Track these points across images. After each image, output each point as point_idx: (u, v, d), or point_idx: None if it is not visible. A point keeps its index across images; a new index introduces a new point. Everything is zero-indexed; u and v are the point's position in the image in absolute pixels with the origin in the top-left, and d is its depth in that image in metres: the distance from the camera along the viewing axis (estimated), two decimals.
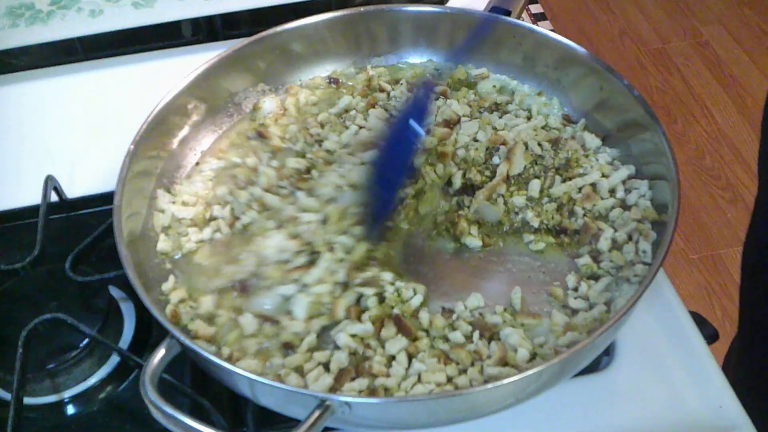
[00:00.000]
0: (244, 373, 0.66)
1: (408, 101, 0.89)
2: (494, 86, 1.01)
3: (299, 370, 0.73)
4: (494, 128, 0.94)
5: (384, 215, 0.84)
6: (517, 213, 0.86)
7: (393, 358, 0.73)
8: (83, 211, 0.97)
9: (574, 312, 0.78)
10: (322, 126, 0.97)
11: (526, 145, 0.90)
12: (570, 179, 0.87)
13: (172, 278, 0.81)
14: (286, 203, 0.87)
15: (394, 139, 0.84)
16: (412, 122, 0.81)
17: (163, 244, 0.85)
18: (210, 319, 0.78)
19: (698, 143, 2.55)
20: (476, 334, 0.75)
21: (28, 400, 0.78)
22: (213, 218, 0.88)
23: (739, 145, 2.53)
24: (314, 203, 0.85)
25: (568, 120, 0.96)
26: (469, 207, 0.86)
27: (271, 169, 0.91)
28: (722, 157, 2.49)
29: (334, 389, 0.71)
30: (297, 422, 0.62)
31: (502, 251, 0.84)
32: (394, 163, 0.83)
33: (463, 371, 0.72)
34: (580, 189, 0.87)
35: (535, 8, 3.05)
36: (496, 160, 0.90)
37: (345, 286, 0.78)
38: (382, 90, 1.01)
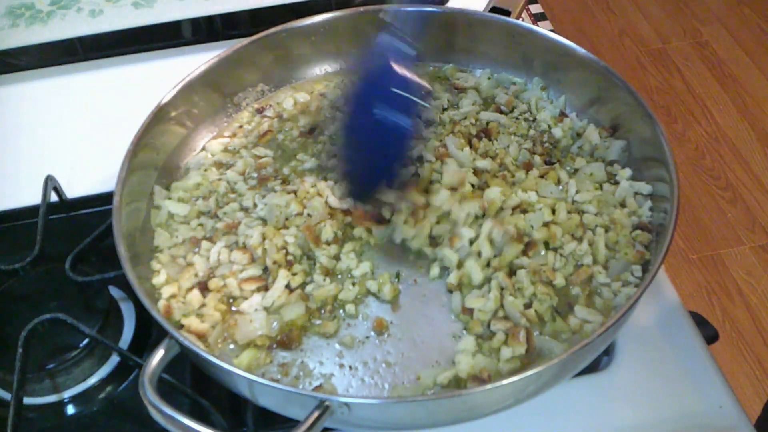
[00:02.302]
0: (243, 373, 0.66)
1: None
2: (489, 78, 1.02)
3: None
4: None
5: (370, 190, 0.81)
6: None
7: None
8: (83, 211, 0.97)
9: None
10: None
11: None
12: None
13: (163, 273, 0.81)
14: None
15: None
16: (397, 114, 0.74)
17: (159, 239, 0.85)
18: (201, 315, 0.78)
19: (698, 143, 2.54)
20: None
21: (28, 400, 0.78)
22: (201, 213, 0.89)
23: (739, 145, 2.53)
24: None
25: (563, 115, 0.97)
26: None
27: (251, 158, 0.94)
28: (722, 157, 2.49)
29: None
30: (296, 423, 0.63)
31: None
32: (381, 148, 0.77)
33: None
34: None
35: (535, 8, 3.05)
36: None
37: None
38: None
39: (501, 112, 0.98)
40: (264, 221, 0.86)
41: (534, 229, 0.83)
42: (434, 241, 0.85)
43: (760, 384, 1.93)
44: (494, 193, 0.85)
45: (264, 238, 0.83)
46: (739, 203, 2.33)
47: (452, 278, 0.81)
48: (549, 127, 0.96)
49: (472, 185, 0.88)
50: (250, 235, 0.84)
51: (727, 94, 2.70)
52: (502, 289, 0.79)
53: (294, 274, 0.81)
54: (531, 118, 0.98)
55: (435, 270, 0.83)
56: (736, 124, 2.60)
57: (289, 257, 0.82)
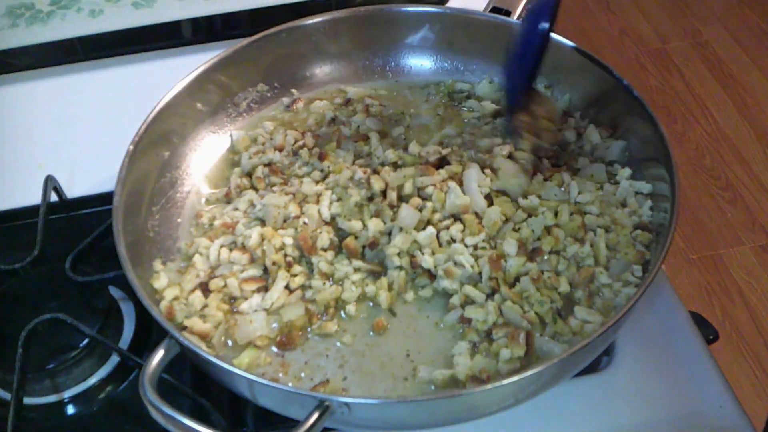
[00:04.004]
0: (243, 373, 0.66)
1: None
2: (490, 82, 1.02)
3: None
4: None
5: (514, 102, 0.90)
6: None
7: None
8: (83, 211, 0.97)
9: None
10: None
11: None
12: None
13: (164, 275, 0.81)
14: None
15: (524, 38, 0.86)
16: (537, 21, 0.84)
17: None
18: (204, 315, 0.78)
19: (698, 143, 2.54)
20: None
21: (28, 400, 0.78)
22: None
23: (739, 145, 2.53)
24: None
25: (567, 115, 0.97)
26: None
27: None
28: (722, 157, 2.49)
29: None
30: (296, 423, 0.63)
31: None
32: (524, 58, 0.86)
33: None
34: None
35: None
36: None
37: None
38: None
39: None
40: (262, 221, 0.86)
41: (536, 234, 0.82)
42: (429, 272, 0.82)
43: (760, 384, 1.93)
44: (495, 213, 0.83)
45: (263, 239, 0.83)
46: (739, 203, 2.33)
47: (455, 300, 0.80)
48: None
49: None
50: (249, 235, 0.84)
51: (727, 94, 2.70)
52: (503, 300, 0.78)
53: (294, 275, 0.81)
54: None
55: (428, 292, 0.82)
56: (736, 124, 2.60)
57: (288, 258, 0.82)
